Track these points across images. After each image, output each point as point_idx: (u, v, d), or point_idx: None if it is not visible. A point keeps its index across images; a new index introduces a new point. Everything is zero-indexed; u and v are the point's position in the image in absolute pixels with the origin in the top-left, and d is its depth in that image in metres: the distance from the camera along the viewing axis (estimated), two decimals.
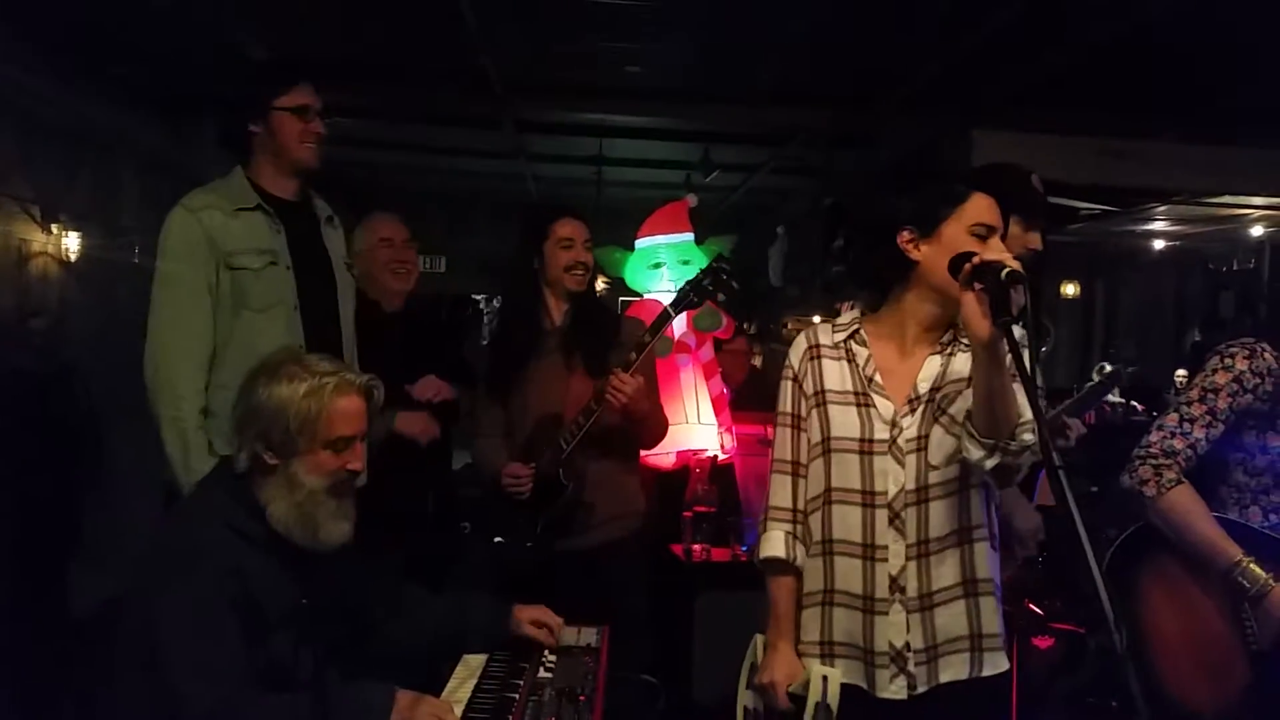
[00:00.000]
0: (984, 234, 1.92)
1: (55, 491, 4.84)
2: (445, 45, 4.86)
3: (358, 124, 6.44)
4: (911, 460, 1.98)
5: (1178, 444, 2.27)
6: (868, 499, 1.99)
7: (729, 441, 4.61)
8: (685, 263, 4.87)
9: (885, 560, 1.97)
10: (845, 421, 2.03)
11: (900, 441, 1.99)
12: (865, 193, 6.70)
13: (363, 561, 2.14)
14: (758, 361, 5.94)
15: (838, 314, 2.24)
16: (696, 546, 4.03)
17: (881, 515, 1.98)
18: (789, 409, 2.12)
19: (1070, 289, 10.66)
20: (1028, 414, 1.78)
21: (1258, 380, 2.27)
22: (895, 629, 1.96)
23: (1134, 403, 9.62)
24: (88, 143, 5.56)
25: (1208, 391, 2.29)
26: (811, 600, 2.06)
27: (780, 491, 2.12)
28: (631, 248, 5.09)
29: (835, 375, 2.07)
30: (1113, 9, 4.03)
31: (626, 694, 2.73)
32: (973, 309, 1.78)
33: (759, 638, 2.17)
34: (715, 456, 4.48)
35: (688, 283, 2.88)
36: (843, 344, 2.09)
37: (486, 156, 7.60)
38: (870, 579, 1.98)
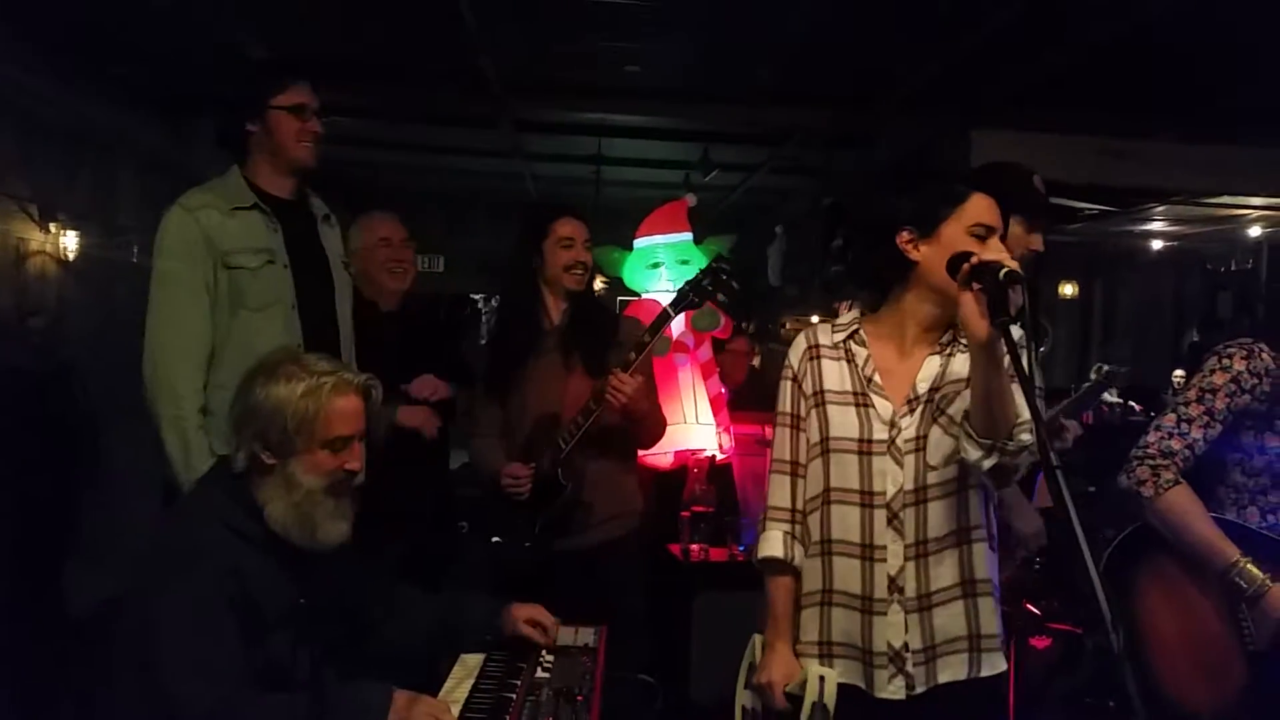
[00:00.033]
0: (983, 234, 1.92)
1: (53, 491, 4.83)
2: (444, 44, 4.86)
3: (356, 123, 6.43)
4: (910, 461, 1.98)
5: (1175, 444, 2.27)
6: (866, 499, 1.99)
7: (727, 441, 4.61)
8: (684, 262, 4.87)
9: (884, 560, 1.97)
10: (844, 422, 2.03)
11: (899, 442, 1.99)
12: (864, 192, 6.71)
13: (360, 561, 2.14)
14: (756, 361, 5.94)
15: (836, 314, 2.24)
16: (694, 546, 4.03)
17: (880, 515, 1.98)
18: (788, 409, 2.12)
19: (1068, 289, 10.67)
20: (1026, 414, 1.78)
21: (1255, 381, 2.27)
22: (894, 629, 1.96)
23: (1132, 403, 9.63)
24: (86, 142, 5.56)
25: (1205, 392, 2.29)
26: (810, 600, 2.06)
27: (779, 491, 2.11)
28: (630, 247, 5.09)
29: (834, 375, 2.07)
30: (1112, 9, 4.04)
31: (624, 694, 2.74)
32: (971, 309, 1.78)
33: (757, 637, 2.17)
34: (713, 456, 4.48)
35: (687, 283, 2.87)
36: (842, 344, 2.09)
37: (485, 156, 7.60)
38: (869, 579, 1.98)
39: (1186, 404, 2.30)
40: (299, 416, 1.89)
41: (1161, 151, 5.83)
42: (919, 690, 1.96)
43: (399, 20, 4.68)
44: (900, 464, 1.98)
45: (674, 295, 2.93)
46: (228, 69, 2.82)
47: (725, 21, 4.54)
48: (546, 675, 2.14)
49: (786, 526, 2.09)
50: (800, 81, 5.46)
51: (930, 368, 2.02)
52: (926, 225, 1.96)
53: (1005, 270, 1.74)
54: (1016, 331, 1.74)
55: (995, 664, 2.01)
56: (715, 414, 4.63)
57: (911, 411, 2.00)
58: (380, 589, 2.26)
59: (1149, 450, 2.28)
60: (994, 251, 1.83)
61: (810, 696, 1.98)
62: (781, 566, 2.08)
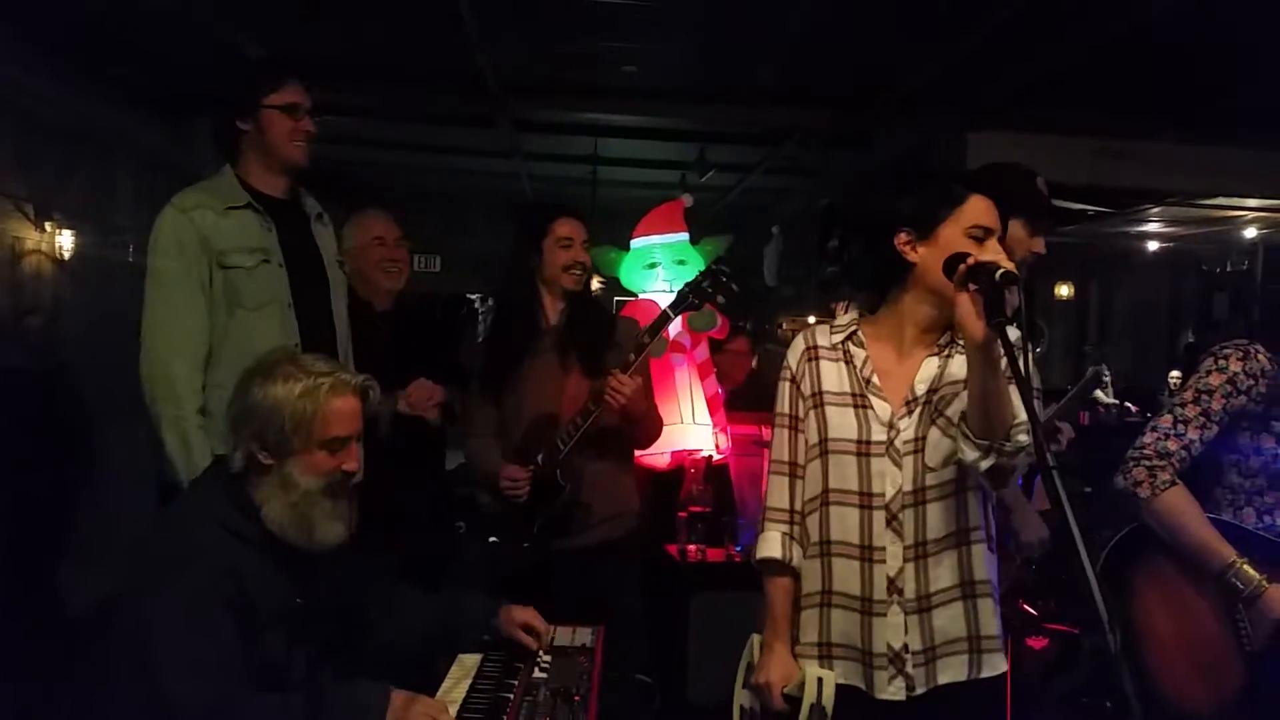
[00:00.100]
0: (981, 236, 1.92)
1: (50, 490, 4.83)
2: (442, 44, 4.86)
3: (355, 123, 6.44)
4: (909, 462, 1.98)
5: (1172, 445, 2.27)
6: (865, 500, 1.99)
7: (724, 442, 4.61)
8: (680, 262, 4.87)
9: (883, 562, 1.98)
10: (843, 423, 2.03)
11: (898, 443, 1.99)
12: (861, 193, 6.71)
13: (358, 561, 2.13)
14: (753, 362, 5.94)
15: (833, 314, 2.24)
16: (691, 547, 4.04)
17: (879, 517, 1.98)
18: (786, 410, 2.12)
19: (1064, 290, 10.68)
20: (1023, 415, 1.79)
21: (1251, 381, 2.27)
22: (893, 630, 1.97)
23: (1128, 404, 9.64)
24: (82, 141, 5.55)
25: (1202, 393, 2.29)
26: (809, 601, 2.06)
27: (777, 492, 2.11)
28: (627, 247, 5.09)
29: (833, 377, 2.07)
30: (1110, 9, 4.04)
31: (621, 694, 2.74)
32: (967, 310, 1.78)
33: (755, 638, 2.17)
34: (710, 457, 4.48)
35: (687, 284, 2.87)
36: (840, 345, 2.09)
37: (482, 155, 7.60)
38: (868, 580, 1.98)
39: (1183, 405, 2.31)
40: (296, 417, 1.89)
41: (1158, 153, 5.84)
42: (919, 691, 1.96)
43: (397, 20, 4.67)
44: (899, 465, 1.99)
45: (673, 296, 2.93)
46: (221, 68, 2.81)
47: (722, 22, 4.54)
48: (544, 675, 2.14)
49: (785, 527, 2.09)
50: (797, 82, 5.47)
51: (928, 369, 2.02)
52: (925, 227, 1.96)
53: (1001, 271, 1.74)
54: (1013, 332, 1.74)
55: (995, 665, 2.01)
56: (712, 414, 4.63)
57: (910, 413, 2.00)
58: (378, 589, 2.26)
59: (1145, 451, 2.29)
60: (991, 253, 1.83)
61: (809, 698, 1.98)
62: (780, 567, 2.08)
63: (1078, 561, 1.39)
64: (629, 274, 5.05)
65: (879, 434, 2.00)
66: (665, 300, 4.72)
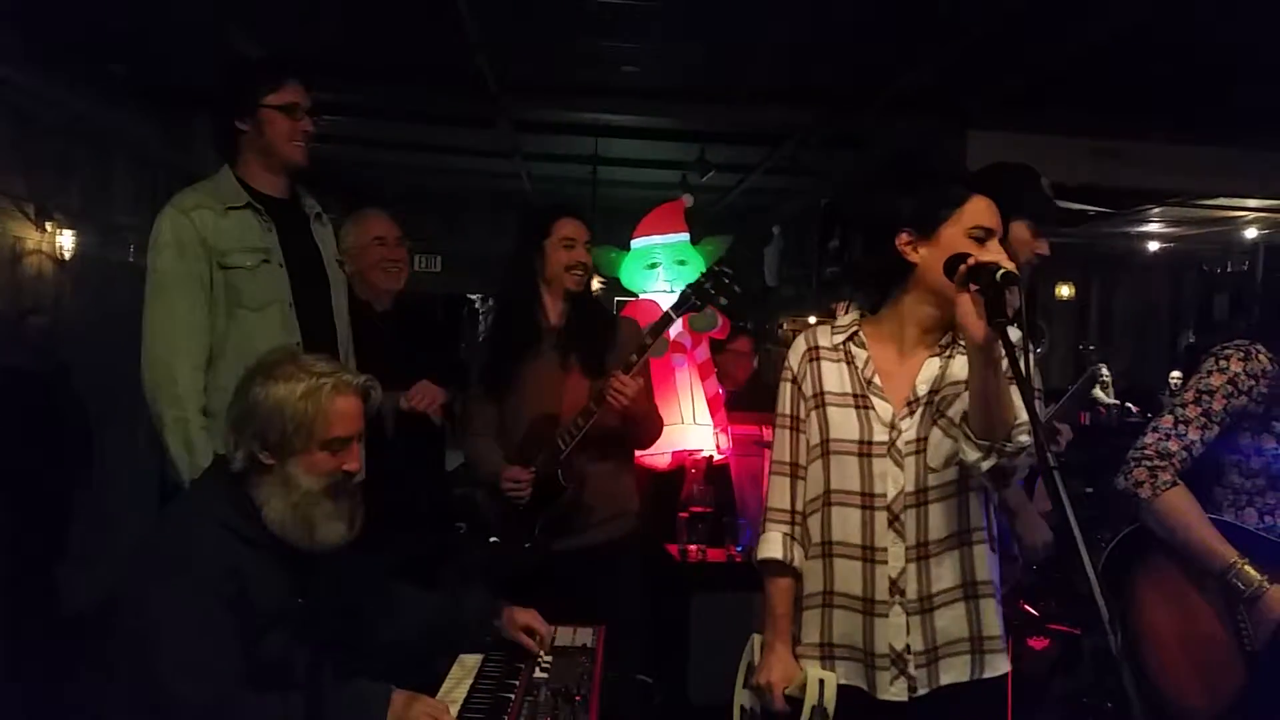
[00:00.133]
0: (983, 237, 1.92)
1: (50, 489, 4.83)
2: (442, 44, 4.86)
3: (355, 122, 6.44)
4: (910, 462, 1.98)
5: (1173, 446, 2.27)
6: (867, 501, 1.99)
7: (724, 442, 4.61)
8: (681, 263, 4.87)
9: (885, 562, 1.97)
10: (844, 423, 2.02)
11: (899, 444, 1.99)
12: (861, 193, 6.72)
13: (358, 561, 2.13)
14: (754, 362, 5.94)
15: (833, 314, 2.24)
16: (692, 547, 4.04)
17: (881, 517, 1.98)
18: (788, 410, 2.12)
19: (1065, 290, 10.68)
20: (1024, 415, 1.78)
21: (1252, 382, 2.27)
22: (895, 631, 1.96)
23: (1129, 404, 9.64)
24: (83, 141, 5.55)
25: (1202, 393, 2.29)
26: (811, 602, 2.06)
27: (779, 493, 2.11)
28: (627, 248, 5.09)
29: (834, 377, 2.07)
30: (1109, 9, 4.04)
31: (622, 694, 2.74)
32: (967, 310, 1.78)
33: (756, 638, 2.16)
34: (711, 457, 4.48)
35: (689, 286, 2.87)
36: (841, 346, 2.09)
37: (482, 155, 7.60)
38: (870, 581, 1.98)
39: (1183, 405, 2.30)
40: (298, 417, 1.89)
41: (1158, 153, 5.85)
42: (921, 692, 1.95)
43: (397, 20, 4.67)
44: (901, 466, 1.98)
45: (673, 296, 2.93)
46: (220, 68, 2.80)
47: (722, 22, 4.54)
48: (545, 675, 2.14)
49: (786, 528, 2.09)
50: (796, 82, 5.47)
51: (930, 369, 2.02)
52: (926, 227, 1.96)
53: (1002, 271, 1.74)
54: (1014, 333, 1.74)
55: (997, 665, 2.00)
56: (713, 414, 4.63)
57: (911, 413, 2.00)
58: (378, 589, 2.25)
59: (1146, 452, 2.28)
60: (992, 253, 1.83)
61: (810, 700, 1.98)
62: (781, 568, 2.08)
63: (1079, 562, 1.39)
64: (629, 274, 5.06)
65: (881, 434, 2.00)
66: (666, 300, 4.74)
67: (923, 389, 2.00)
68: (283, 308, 2.62)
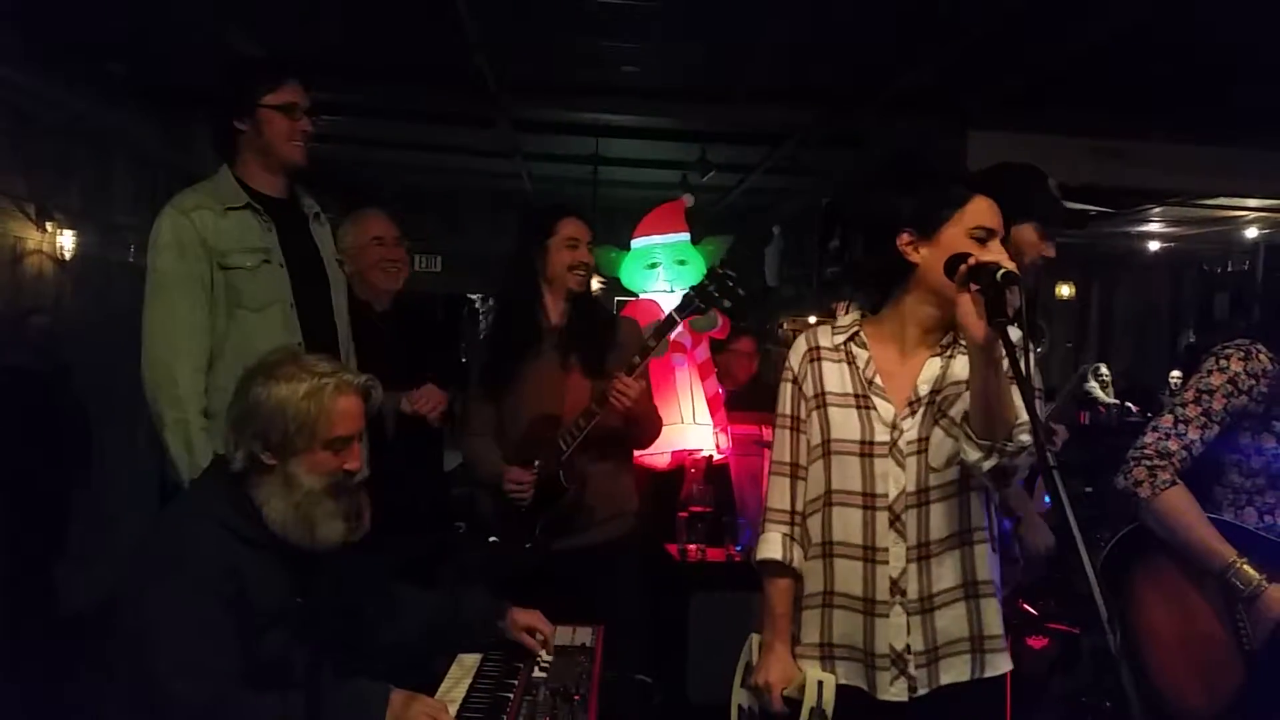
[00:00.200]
0: (984, 237, 1.92)
1: (49, 489, 4.83)
2: (442, 44, 4.86)
3: (355, 122, 6.44)
4: (912, 462, 1.98)
5: (1172, 445, 2.27)
6: (868, 501, 1.99)
7: (724, 441, 4.61)
8: (681, 262, 4.87)
9: (886, 563, 1.97)
10: (846, 424, 2.02)
11: (901, 444, 1.99)
12: (860, 193, 6.71)
13: (357, 561, 2.13)
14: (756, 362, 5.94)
15: (833, 314, 2.24)
16: (691, 546, 4.04)
17: (882, 517, 1.98)
18: (788, 411, 2.12)
19: (1065, 290, 10.68)
20: (1025, 415, 1.78)
21: (1252, 381, 2.27)
22: (896, 631, 1.96)
23: (1128, 404, 9.64)
24: (83, 141, 5.55)
25: (1203, 393, 2.29)
26: (811, 602, 2.06)
27: (778, 493, 2.11)
28: (627, 247, 5.09)
29: (835, 377, 2.07)
30: (1109, 9, 4.04)
31: (621, 693, 2.74)
32: (968, 310, 1.78)
33: (755, 637, 2.16)
34: (710, 456, 4.48)
35: (693, 288, 2.87)
36: (842, 346, 2.09)
37: (482, 155, 7.60)
38: (871, 581, 1.98)
39: (1183, 405, 2.30)
40: (301, 417, 1.89)
41: (1158, 153, 5.85)
42: (922, 692, 1.95)
43: (397, 20, 4.68)
44: (902, 466, 1.98)
45: (673, 297, 2.94)
46: (218, 68, 2.79)
47: (722, 22, 4.54)
48: (544, 675, 2.14)
49: (785, 529, 2.09)
50: (797, 81, 5.47)
51: (931, 369, 2.02)
52: (927, 227, 1.96)
53: (1002, 271, 1.74)
54: (1014, 333, 1.74)
55: (998, 665, 2.01)
56: (712, 414, 4.63)
57: (913, 413, 2.00)
58: (378, 589, 2.25)
59: (1146, 451, 2.28)
60: (992, 253, 1.83)
61: (809, 702, 1.98)
62: (780, 568, 2.08)
63: (1078, 561, 1.39)
64: (629, 274, 5.05)
65: (882, 435, 2.00)
66: (665, 300, 4.75)
67: (924, 389, 2.00)
68: (283, 308, 2.61)
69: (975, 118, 5.51)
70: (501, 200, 8.91)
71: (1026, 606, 3.51)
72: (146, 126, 5.93)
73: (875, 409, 2.02)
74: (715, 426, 4.62)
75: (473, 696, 2.04)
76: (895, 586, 1.97)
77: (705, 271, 3.03)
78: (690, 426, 4.53)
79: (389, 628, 2.22)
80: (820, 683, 1.99)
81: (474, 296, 10.62)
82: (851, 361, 2.07)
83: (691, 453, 4.41)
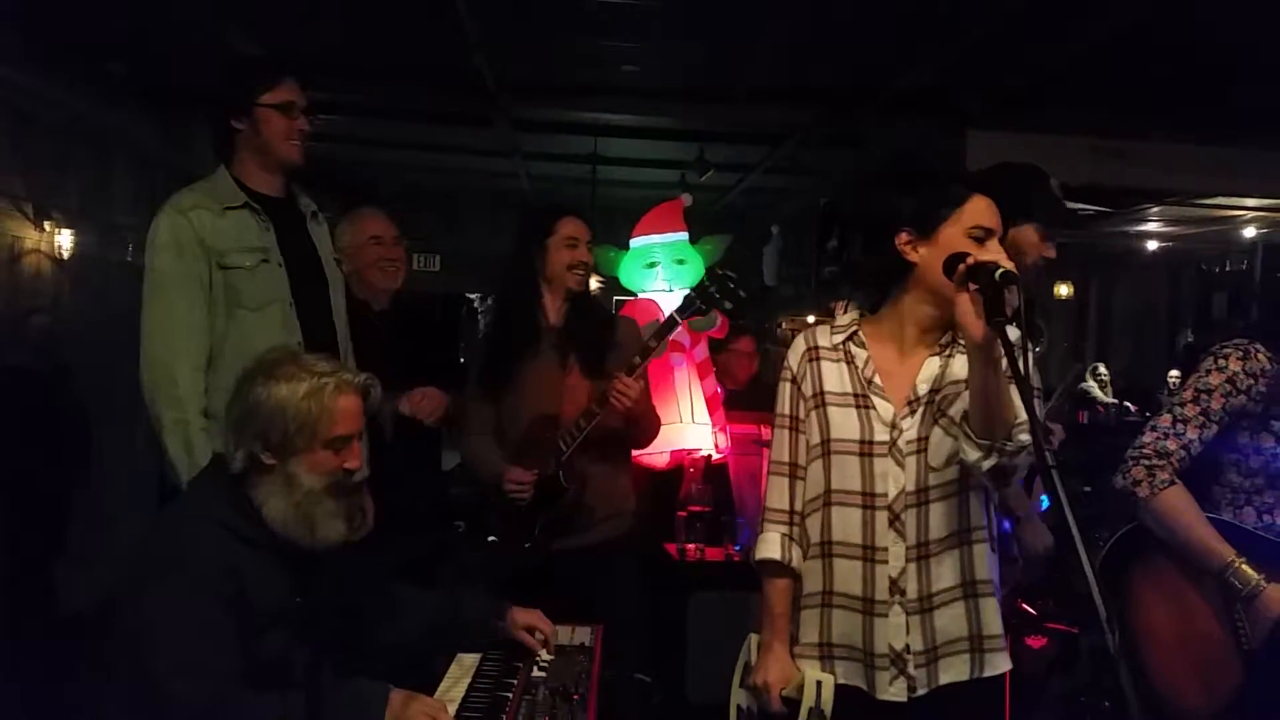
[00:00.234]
0: (982, 236, 1.92)
1: (49, 489, 4.83)
2: (441, 44, 4.86)
3: (354, 121, 6.43)
4: (912, 462, 1.98)
5: (1171, 445, 2.27)
6: (868, 501, 1.99)
7: (723, 441, 4.61)
8: (680, 262, 4.87)
9: (885, 562, 1.97)
10: (845, 423, 2.02)
11: (900, 443, 1.99)
12: (859, 192, 6.72)
13: (357, 560, 2.13)
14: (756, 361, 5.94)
15: (832, 314, 2.24)
16: (690, 546, 4.04)
17: (882, 517, 1.98)
18: (787, 411, 2.12)
19: (1064, 290, 10.69)
20: (1024, 414, 1.78)
21: (1251, 381, 2.27)
22: (895, 631, 1.96)
23: (1127, 403, 9.65)
24: (81, 140, 5.55)
25: (1201, 392, 2.29)
26: (810, 601, 2.06)
27: (777, 493, 2.11)
28: (626, 247, 5.09)
29: (834, 377, 2.07)
30: (1109, 9, 4.04)
31: (620, 692, 2.74)
32: (967, 310, 1.78)
33: (753, 637, 2.16)
34: (709, 456, 4.48)
35: (694, 290, 2.87)
36: (841, 346, 2.09)
37: (481, 155, 7.60)
38: (870, 581, 1.98)
39: (1182, 404, 2.30)
40: (301, 417, 1.89)
41: (1157, 153, 5.85)
42: (921, 692, 1.96)
43: (397, 19, 4.67)
44: (902, 465, 1.98)
45: (673, 297, 2.94)
46: (216, 67, 2.79)
47: (722, 22, 4.54)
48: (543, 674, 2.14)
49: (784, 528, 2.09)
50: (796, 81, 5.47)
51: (930, 369, 2.02)
52: (925, 227, 1.96)
53: (1001, 271, 1.74)
54: (1013, 332, 1.74)
55: (997, 664, 2.01)
56: (711, 413, 4.63)
57: (912, 413, 2.00)
58: (378, 588, 2.25)
59: (1144, 450, 2.28)
60: (991, 253, 1.83)
61: (808, 702, 1.98)
62: (779, 568, 2.08)
63: (1077, 560, 1.39)
64: (628, 273, 5.06)
65: (882, 434, 2.00)
66: (664, 299, 4.75)
67: (923, 388, 2.01)
68: (283, 307, 2.61)
69: (975, 118, 5.50)
70: (500, 199, 8.91)
71: (1025, 606, 3.52)
72: (146, 126, 5.92)
73: (874, 408, 2.02)
74: (714, 426, 4.62)
75: (472, 696, 2.04)
76: (894, 586, 1.97)
77: (704, 271, 3.03)
78: (689, 426, 4.53)
79: (389, 628, 2.22)
80: (819, 683, 2.00)
81: (472, 296, 10.60)
82: (850, 361, 2.07)
83: (690, 452, 4.42)
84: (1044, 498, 2.87)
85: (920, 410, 2.00)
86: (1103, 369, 10.34)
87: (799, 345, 2.13)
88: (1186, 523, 2.22)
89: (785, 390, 2.12)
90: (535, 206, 3.41)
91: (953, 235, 1.93)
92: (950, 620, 1.97)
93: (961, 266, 1.80)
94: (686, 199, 5.11)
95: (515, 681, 2.10)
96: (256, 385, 1.91)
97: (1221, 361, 2.29)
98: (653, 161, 7.55)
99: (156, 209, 2.60)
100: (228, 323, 2.54)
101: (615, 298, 6.82)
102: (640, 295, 5.00)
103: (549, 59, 5.33)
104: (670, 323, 2.89)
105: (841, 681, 2.00)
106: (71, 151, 5.49)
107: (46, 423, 4.84)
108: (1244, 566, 2.16)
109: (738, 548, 4.10)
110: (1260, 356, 2.27)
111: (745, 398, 4.86)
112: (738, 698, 2.18)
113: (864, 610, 1.99)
